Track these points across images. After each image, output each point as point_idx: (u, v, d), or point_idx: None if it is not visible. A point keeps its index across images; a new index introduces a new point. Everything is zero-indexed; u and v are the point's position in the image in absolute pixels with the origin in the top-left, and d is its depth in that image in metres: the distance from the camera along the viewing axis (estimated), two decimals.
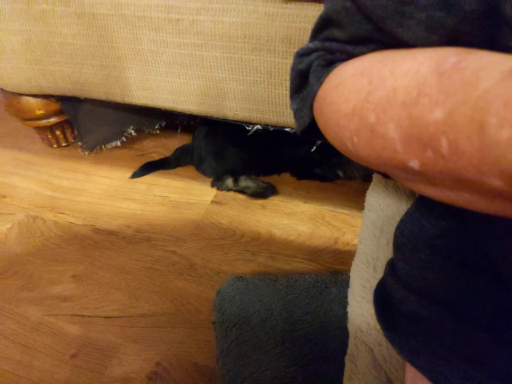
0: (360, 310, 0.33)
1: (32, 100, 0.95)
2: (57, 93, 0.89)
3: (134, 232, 0.78)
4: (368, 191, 0.44)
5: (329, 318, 0.52)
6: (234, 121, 0.80)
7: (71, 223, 0.80)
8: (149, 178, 0.91)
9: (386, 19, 0.22)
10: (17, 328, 0.61)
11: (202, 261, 0.71)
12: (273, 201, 0.84)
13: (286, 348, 0.53)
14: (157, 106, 0.84)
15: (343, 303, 0.39)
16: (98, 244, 0.76)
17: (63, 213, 0.82)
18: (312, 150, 0.78)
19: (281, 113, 0.74)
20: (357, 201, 0.82)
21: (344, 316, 0.39)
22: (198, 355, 0.57)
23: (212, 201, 0.84)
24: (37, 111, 0.94)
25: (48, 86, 0.89)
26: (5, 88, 0.97)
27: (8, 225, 0.79)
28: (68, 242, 0.76)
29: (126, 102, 0.86)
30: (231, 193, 0.86)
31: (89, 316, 0.63)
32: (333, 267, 0.69)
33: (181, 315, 0.63)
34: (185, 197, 0.86)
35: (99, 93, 0.86)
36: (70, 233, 0.78)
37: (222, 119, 0.81)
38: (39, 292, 0.67)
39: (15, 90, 0.96)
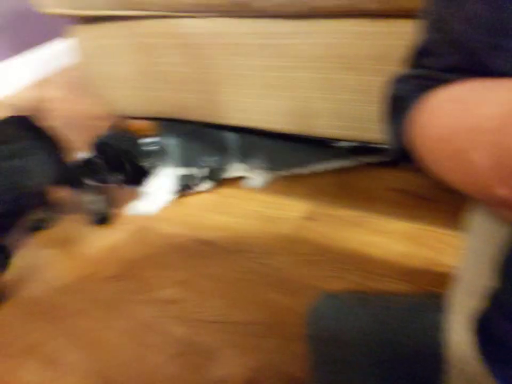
0: (459, 338, 0.33)
1: (138, 122, 1.08)
2: (162, 115, 1.00)
3: (230, 243, 0.84)
4: (470, 211, 0.42)
5: (424, 342, 0.51)
6: (321, 138, 0.82)
7: (175, 233, 0.89)
8: (243, 193, 0.97)
9: (480, 51, 0.23)
10: (132, 326, 0.70)
11: (295, 276, 0.74)
12: (367, 218, 0.84)
13: (378, 368, 0.53)
14: (248, 126, 0.89)
15: (440, 328, 0.38)
16: (198, 253, 0.83)
17: (169, 224, 0.91)
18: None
19: (372, 131, 0.74)
20: (459, 221, 0.78)
21: (440, 342, 0.38)
22: (292, 366, 0.59)
23: (304, 217, 0.87)
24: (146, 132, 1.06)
25: (155, 110, 1.00)
26: (119, 114, 1.11)
27: (125, 234, 0.90)
28: (173, 250, 0.84)
29: (220, 123, 0.93)
30: (323, 210, 0.88)
31: (191, 319, 0.69)
32: (430, 289, 0.66)
33: (274, 326, 0.66)
34: (278, 212, 0.90)
35: (198, 115, 0.94)
36: (175, 243, 0.86)
37: (312, 136, 0.84)
38: (149, 294, 0.75)
39: (128, 115, 1.09)
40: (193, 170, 0.92)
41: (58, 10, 0.95)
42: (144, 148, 0.90)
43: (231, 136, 0.95)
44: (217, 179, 0.95)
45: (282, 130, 0.85)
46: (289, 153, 0.94)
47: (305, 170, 0.92)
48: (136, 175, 0.90)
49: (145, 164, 0.89)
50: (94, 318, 0.72)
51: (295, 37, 0.72)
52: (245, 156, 0.95)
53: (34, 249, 0.89)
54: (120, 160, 0.87)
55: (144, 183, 0.90)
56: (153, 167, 0.90)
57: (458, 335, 0.33)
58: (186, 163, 0.92)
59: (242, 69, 0.81)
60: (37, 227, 0.93)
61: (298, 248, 0.79)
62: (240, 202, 0.94)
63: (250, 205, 0.93)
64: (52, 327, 0.72)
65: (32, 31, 1.75)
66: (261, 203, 0.93)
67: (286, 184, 0.96)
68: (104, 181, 0.90)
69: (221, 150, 0.94)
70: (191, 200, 0.97)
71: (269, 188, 0.96)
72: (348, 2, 0.62)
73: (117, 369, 0.63)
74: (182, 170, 0.92)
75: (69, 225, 0.95)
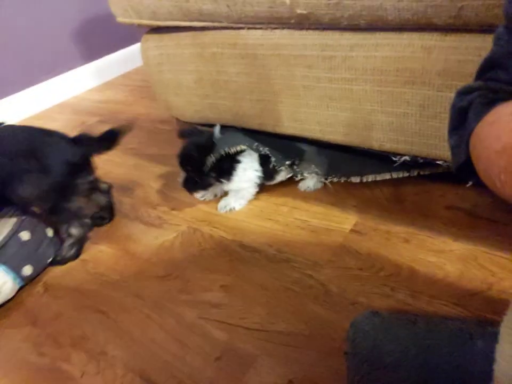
0: (509, 370, 0.30)
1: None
2: (220, 122, 1.03)
3: (275, 251, 0.84)
4: None
5: (471, 372, 0.48)
6: (380, 151, 0.80)
7: (222, 237, 0.90)
8: (291, 201, 0.97)
9: None
10: (175, 325, 0.72)
11: (338, 289, 0.72)
12: (419, 235, 0.80)
13: None
14: (304, 136, 0.89)
15: (489, 358, 0.36)
16: (244, 258, 0.84)
17: (217, 228, 0.93)
18: None
19: (433, 146, 0.72)
20: None
21: (488, 373, 0.36)
22: (329, 381, 0.58)
23: (351, 230, 0.85)
24: None
25: (213, 117, 1.04)
26: (180, 118, 1.16)
27: (174, 234, 0.94)
28: (219, 254, 0.86)
29: (276, 132, 0.94)
30: (372, 223, 0.85)
31: (233, 325, 0.70)
32: (482, 315, 0.62)
33: (314, 339, 0.65)
34: (325, 222, 0.89)
35: (254, 124, 0.96)
36: (222, 246, 0.88)
37: (368, 148, 0.82)
38: (194, 295, 0.77)
39: (187, 120, 1.14)
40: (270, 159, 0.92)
41: (126, 20, 1.01)
42: (221, 143, 0.91)
43: (286, 141, 0.96)
44: (282, 168, 0.95)
45: (340, 141, 0.85)
46: (345, 161, 0.94)
47: (359, 179, 0.90)
48: (225, 168, 0.91)
49: (227, 156, 0.89)
50: (139, 315, 0.75)
51: (359, 49, 0.71)
52: (300, 158, 0.96)
53: (88, 245, 0.95)
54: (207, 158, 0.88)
55: (233, 173, 0.91)
56: (236, 160, 0.91)
57: (508, 367, 0.31)
58: (251, 146, 0.92)
59: (302, 80, 0.81)
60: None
61: (345, 262, 0.78)
62: (288, 210, 0.94)
63: (298, 214, 0.93)
64: (99, 321, 0.76)
65: (100, 39, 1.88)
66: (309, 213, 0.92)
67: (336, 194, 0.95)
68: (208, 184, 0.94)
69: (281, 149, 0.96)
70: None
71: (318, 197, 0.96)
72: (419, 16, 0.61)
73: (156, 368, 0.66)
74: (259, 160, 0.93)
75: (121, 223, 1.00)
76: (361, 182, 0.90)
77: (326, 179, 0.94)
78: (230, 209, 0.97)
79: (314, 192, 0.97)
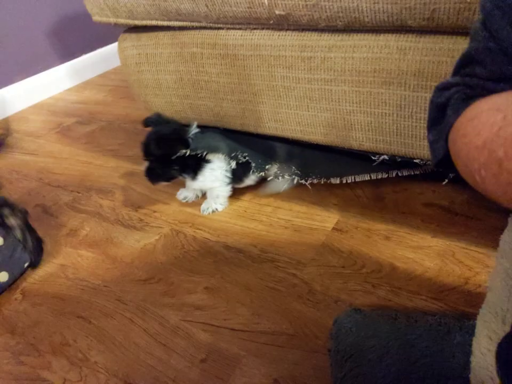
0: (485, 362, 0.31)
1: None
2: (201, 123, 1.02)
3: (259, 252, 0.84)
4: (502, 235, 0.41)
5: (449, 364, 0.49)
6: (359, 151, 0.82)
7: (206, 238, 0.90)
8: (274, 201, 0.97)
9: None
10: (159, 329, 0.72)
11: (322, 287, 0.73)
12: (398, 232, 0.82)
13: None
14: (285, 136, 0.90)
15: (467, 351, 0.37)
16: (228, 260, 0.84)
17: (200, 229, 0.93)
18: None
19: (410, 145, 0.73)
20: (494, 239, 0.75)
21: (466, 365, 0.37)
22: (313, 379, 0.59)
23: (333, 228, 0.86)
24: None
25: (194, 118, 1.03)
26: None
27: (156, 237, 0.93)
28: (203, 256, 0.86)
29: (258, 132, 0.94)
30: (353, 221, 0.87)
31: (217, 326, 0.70)
32: (460, 309, 0.64)
33: (298, 337, 0.66)
34: (307, 221, 0.90)
35: (235, 124, 0.96)
36: (205, 248, 0.88)
37: (347, 148, 0.83)
38: (177, 298, 0.77)
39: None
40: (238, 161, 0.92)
41: (102, 19, 0.99)
42: (191, 136, 0.91)
43: (268, 142, 0.96)
44: (260, 174, 0.95)
45: (320, 141, 0.86)
46: (325, 162, 0.94)
47: (339, 180, 0.91)
48: (192, 164, 0.90)
49: (196, 152, 0.89)
50: (122, 319, 0.75)
51: (338, 50, 0.72)
52: (279, 160, 0.96)
53: (69, 249, 0.94)
54: (174, 151, 0.88)
55: (200, 172, 0.91)
56: (204, 156, 0.90)
57: (483, 359, 0.32)
58: (230, 153, 0.92)
59: (282, 81, 0.82)
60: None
61: (327, 260, 0.79)
62: (272, 210, 0.95)
63: (282, 213, 0.93)
64: (81, 327, 0.75)
65: (77, 38, 1.84)
66: (291, 212, 0.93)
67: (317, 194, 0.96)
68: (171, 177, 0.92)
69: (262, 151, 0.96)
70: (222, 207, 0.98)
71: (300, 196, 0.96)
72: (395, 17, 0.62)
73: (140, 372, 0.65)
74: (230, 161, 0.92)
75: (102, 227, 0.99)
76: (341, 182, 0.91)
77: (306, 180, 0.95)
78: (213, 211, 0.97)
79: (297, 191, 0.98)
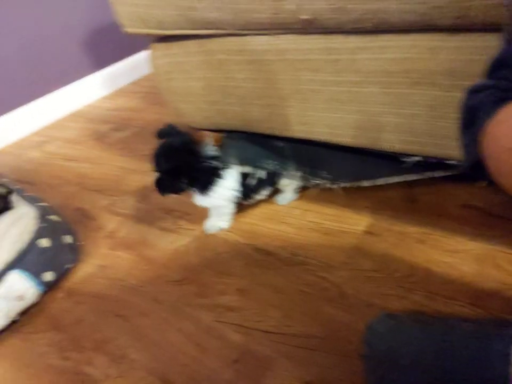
0: None
1: (206, 133, 1.13)
2: (229, 128, 1.03)
3: (289, 254, 0.84)
4: None
5: (487, 374, 0.48)
6: (392, 152, 0.81)
7: (237, 241, 0.91)
8: (303, 204, 0.97)
9: None
10: (193, 329, 0.73)
11: (353, 291, 0.73)
12: (433, 235, 0.80)
13: None
14: (313, 139, 0.90)
15: (506, 360, 0.36)
16: (258, 262, 0.84)
17: (231, 232, 0.94)
18: None
19: (443, 146, 0.71)
20: None
21: (505, 375, 0.36)
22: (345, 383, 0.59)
23: (365, 231, 0.85)
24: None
25: (223, 123, 1.05)
26: (191, 125, 1.17)
27: (189, 239, 0.95)
28: (234, 257, 0.87)
29: (284, 136, 0.94)
30: (386, 224, 0.85)
31: (249, 328, 0.71)
32: (500, 316, 0.62)
33: (330, 341, 0.66)
34: (338, 224, 0.89)
35: (263, 128, 0.97)
36: (236, 250, 0.89)
37: (378, 150, 0.82)
38: (210, 299, 0.79)
39: (197, 126, 1.15)
40: (252, 170, 0.91)
41: (134, 30, 1.03)
42: (205, 153, 0.89)
43: (288, 146, 0.95)
44: (275, 184, 0.95)
45: (349, 143, 0.85)
46: (355, 165, 0.93)
47: (370, 183, 0.90)
48: (202, 179, 0.89)
49: (207, 165, 0.88)
50: (157, 319, 0.77)
51: (365, 52, 0.71)
52: (304, 165, 0.94)
53: (107, 250, 0.97)
54: (185, 164, 0.87)
55: (209, 187, 0.89)
56: (216, 171, 0.89)
57: None
58: (245, 163, 0.91)
59: (309, 84, 0.82)
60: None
61: (359, 263, 0.78)
62: (301, 213, 0.95)
63: (311, 216, 0.93)
64: (119, 325, 0.78)
65: (110, 47, 1.90)
66: (321, 215, 0.93)
67: (348, 196, 0.95)
68: (180, 189, 0.91)
69: (279, 157, 0.95)
70: (253, 209, 0.99)
71: (330, 199, 0.96)
72: (423, 18, 0.61)
73: (175, 371, 0.67)
74: (242, 169, 0.90)
75: (138, 229, 1.02)
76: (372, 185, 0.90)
77: (338, 185, 0.93)
78: (219, 228, 0.96)
79: (326, 194, 0.97)
